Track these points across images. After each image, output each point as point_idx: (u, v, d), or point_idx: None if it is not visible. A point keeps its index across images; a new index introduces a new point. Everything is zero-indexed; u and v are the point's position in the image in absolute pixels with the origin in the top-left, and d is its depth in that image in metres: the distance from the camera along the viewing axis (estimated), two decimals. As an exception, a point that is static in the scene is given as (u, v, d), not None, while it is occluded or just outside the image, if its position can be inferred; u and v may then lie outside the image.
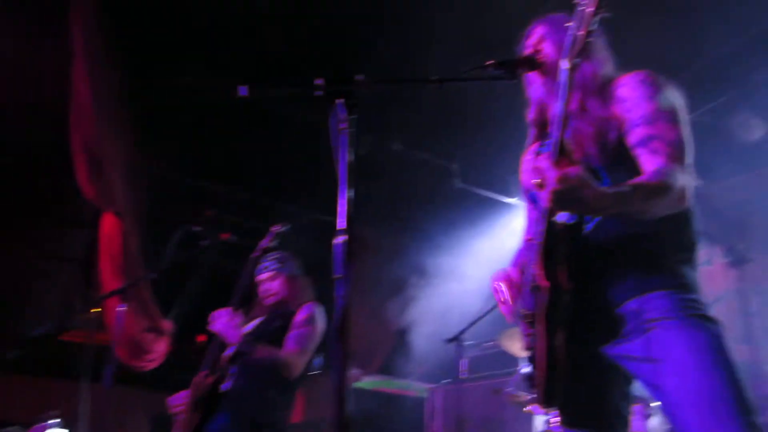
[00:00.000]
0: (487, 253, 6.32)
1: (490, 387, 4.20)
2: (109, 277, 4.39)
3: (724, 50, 4.49)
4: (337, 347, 1.48)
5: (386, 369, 5.89)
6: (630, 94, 1.77)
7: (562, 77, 1.58)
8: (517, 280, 1.94)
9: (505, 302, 1.95)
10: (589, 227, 1.73)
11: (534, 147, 2.04)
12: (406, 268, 6.28)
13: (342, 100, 1.66)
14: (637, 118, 1.72)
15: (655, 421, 3.34)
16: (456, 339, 4.23)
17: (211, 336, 3.21)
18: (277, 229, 3.32)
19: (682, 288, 1.68)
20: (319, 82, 1.62)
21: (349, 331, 1.50)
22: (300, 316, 3.23)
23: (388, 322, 6.11)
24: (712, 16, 4.06)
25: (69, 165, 4.26)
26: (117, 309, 3.26)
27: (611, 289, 1.70)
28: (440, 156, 5.79)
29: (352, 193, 1.62)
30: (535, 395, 1.73)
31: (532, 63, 1.93)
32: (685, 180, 1.63)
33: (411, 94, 4.89)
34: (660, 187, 1.58)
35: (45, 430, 3.63)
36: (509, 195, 6.22)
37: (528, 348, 1.79)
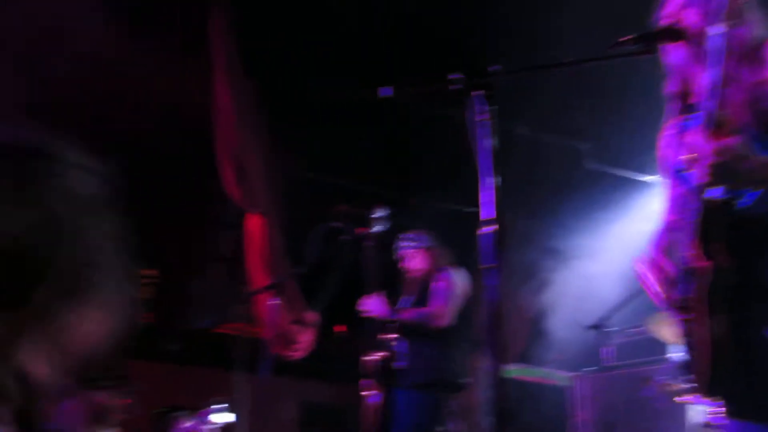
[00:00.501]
0: (623, 235, 6.04)
1: (638, 375, 4.03)
2: (257, 274, 4.70)
3: None
4: (491, 336, 1.51)
5: (524, 357, 5.83)
6: None
7: (715, 44, 1.50)
8: (662, 264, 1.85)
9: (652, 289, 1.88)
10: (746, 201, 1.63)
11: (676, 121, 1.94)
12: (540, 253, 6.16)
13: (479, 93, 1.69)
14: None
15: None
16: (597, 326, 4.11)
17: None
18: (376, 214, 3.56)
19: None
20: (456, 76, 1.66)
21: (502, 320, 1.53)
22: (437, 279, 3.60)
23: (524, 309, 6.03)
24: None
25: (215, 170, 4.62)
26: (269, 303, 3.51)
27: None
28: (569, 137, 5.62)
29: (497, 183, 1.64)
30: (693, 384, 1.66)
31: (674, 33, 1.83)
32: None
33: (534, 77, 4.79)
34: None
35: (210, 415, 3.97)
36: (645, 173, 5.91)
37: (684, 334, 1.72)
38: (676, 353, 1.74)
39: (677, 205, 1.87)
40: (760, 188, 1.58)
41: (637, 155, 5.85)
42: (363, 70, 4.65)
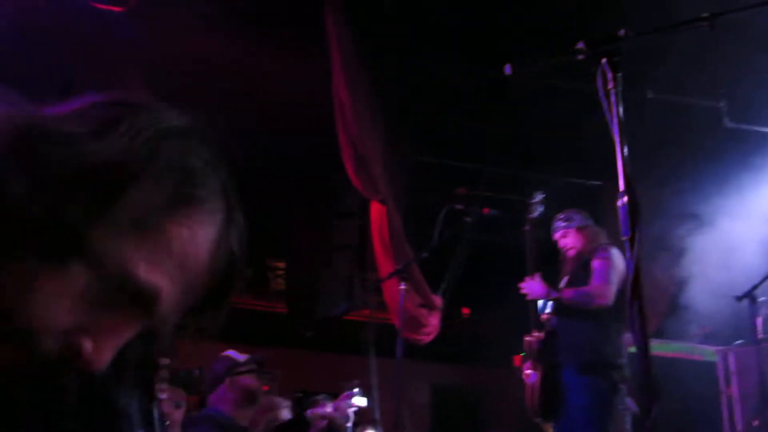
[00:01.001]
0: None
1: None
2: (382, 260, 4.80)
3: None
4: (633, 308, 1.45)
5: (664, 332, 5.53)
6: None
7: None
8: None
9: None
10: None
11: None
12: (679, 220, 5.80)
13: (606, 60, 1.61)
14: None
15: None
16: (748, 296, 3.80)
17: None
18: (533, 200, 3.60)
19: None
20: (580, 45, 1.59)
21: (643, 291, 1.47)
22: (596, 258, 3.56)
23: (661, 281, 5.72)
24: None
25: (337, 163, 4.74)
26: (398, 288, 3.57)
27: None
28: (702, 96, 5.22)
29: (626, 153, 1.57)
30: None
31: None
32: None
33: (662, 38, 4.49)
34: None
35: (351, 398, 4.11)
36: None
37: None
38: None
39: None
40: None
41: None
42: (480, 50, 4.58)
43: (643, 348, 1.47)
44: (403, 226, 5.01)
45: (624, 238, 1.52)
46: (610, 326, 3.47)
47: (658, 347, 5.28)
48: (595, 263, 3.50)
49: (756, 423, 4.46)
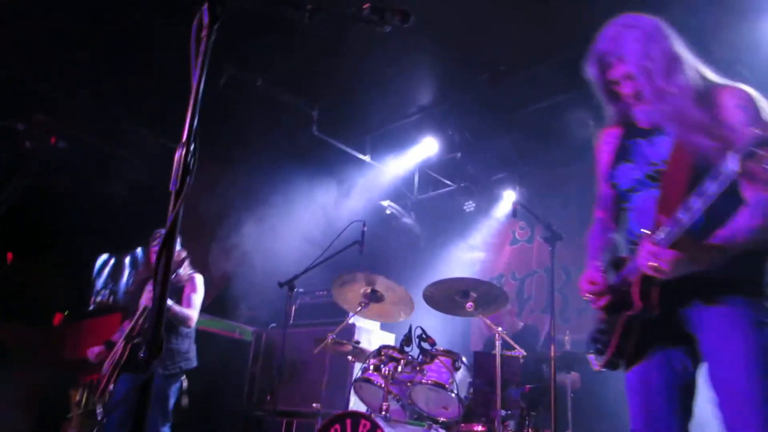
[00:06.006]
0: (325, 204, 6.28)
1: (315, 334, 4.25)
2: None
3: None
4: (161, 262, 1.39)
5: (214, 309, 5.75)
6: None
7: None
8: (601, 281, 1.95)
9: (595, 303, 1.98)
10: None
11: (614, 129, 2.05)
12: (241, 207, 6.13)
13: (207, 5, 1.55)
14: None
15: (460, 374, 3.64)
16: (288, 284, 4.17)
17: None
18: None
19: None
20: (184, -21, 1.50)
21: (174, 245, 1.43)
22: (189, 285, 3.97)
23: (216, 262, 5.96)
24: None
25: None
26: None
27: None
28: (302, 101, 5.68)
29: (197, 110, 1.52)
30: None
31: (405, 16, 1.85)
32: None
33: (285, 34, 4.74)
34: None
35: None
36: (363, 152, 6.26)
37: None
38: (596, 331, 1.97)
39: (607, 204, 2.09)
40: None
41: (359, 134, 6.17)
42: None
43: (157, 307, 1.41)
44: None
45: (172, 190, 1.46)
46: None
47: (207, 323, 5.47)
48: (190, 292, 3.97)
49: (269, 398, 4.97)
